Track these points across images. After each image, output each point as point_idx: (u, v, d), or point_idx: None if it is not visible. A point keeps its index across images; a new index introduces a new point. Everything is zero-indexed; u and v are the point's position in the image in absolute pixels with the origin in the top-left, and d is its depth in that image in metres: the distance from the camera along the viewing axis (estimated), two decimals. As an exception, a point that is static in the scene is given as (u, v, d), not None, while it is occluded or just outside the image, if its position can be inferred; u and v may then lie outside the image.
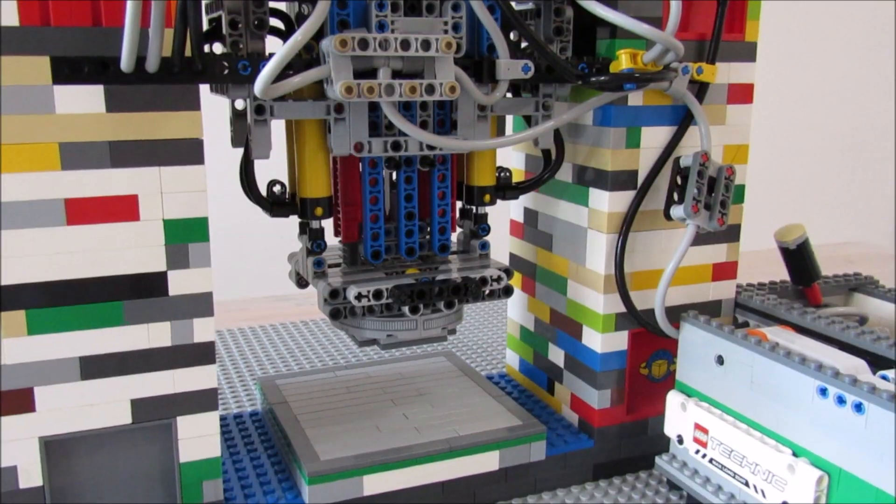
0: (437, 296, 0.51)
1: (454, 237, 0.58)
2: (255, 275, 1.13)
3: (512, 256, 0.68)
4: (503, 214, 0.66)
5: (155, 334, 0.45)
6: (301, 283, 0.56)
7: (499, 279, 0.53)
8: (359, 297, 0.49)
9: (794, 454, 0.45)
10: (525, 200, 0.64)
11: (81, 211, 0.42)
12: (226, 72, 0.44)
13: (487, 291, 0.53)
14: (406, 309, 0.51)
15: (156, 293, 0.44)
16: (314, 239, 0.52)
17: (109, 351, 0.44)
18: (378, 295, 0.50)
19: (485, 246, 0.58)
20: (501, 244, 0.66)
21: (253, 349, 0.86)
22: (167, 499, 0.48)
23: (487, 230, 0.57)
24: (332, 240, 0.55)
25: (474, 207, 0.57)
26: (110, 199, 0.42)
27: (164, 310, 0.45)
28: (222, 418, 0.62)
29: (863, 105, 1.76)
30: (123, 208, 0.43)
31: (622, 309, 0.56)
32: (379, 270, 0.53)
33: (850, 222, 1.73)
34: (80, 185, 0.42)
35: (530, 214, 0.64)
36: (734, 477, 0.49)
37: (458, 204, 0.57)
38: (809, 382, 0.44)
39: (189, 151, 0.43)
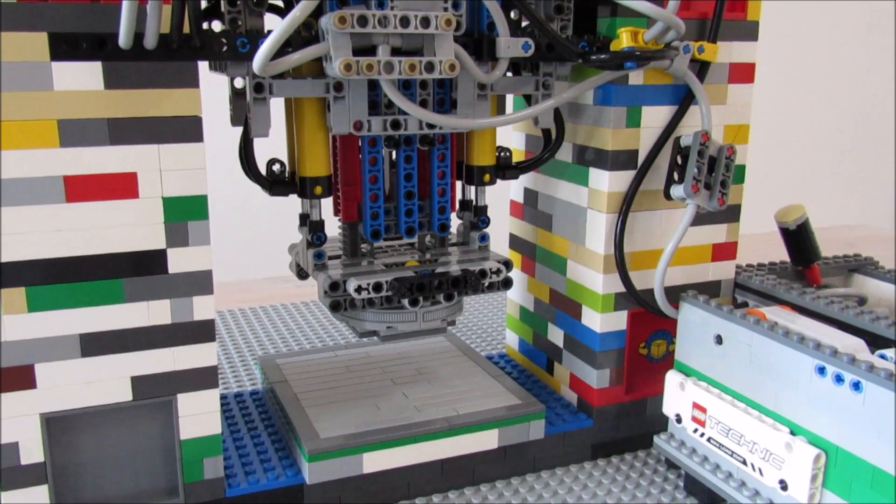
0: (437, 288, 0.51)
1: (454, 229, 0.58)
2: (256, 256, 1.13)
3: (512, 237, 0.68)
4: (503, 194, 0.66)
5: (155, 312, 0.45)
6: (301, 274, 0.57)
7: (498, 271, 0.53)
8: (359, 289, 0.50)
9: (792, 433, 0.46)
10: (525, 180, 0.64)
11: (81, 188, 0.42)
12: (224, 49, 0.44)
13: (487, 284, 0.53)
14: (406, 301, 0.51)
15: (155, 271, 0.44)
16: (314, 231, 0.52)
17: (110, 328, 0.44)
18: (378, 288, 0.50)
19: (484, 238, 0.58)
20: (501, 224, 0.66)
21: (253, 329, 0.86)
22: (168, 475, 0.48)
23: (487, 222, 0.57)
24: (332, 230, 0.55)
25: (474, 200, 0.57)
26: (109, 176, 0.42)
27: (163, 287, 0.45)
28: (223, 397, 0.62)
29: (864, 87, 1.76)
30: (123, 186, 0.43)
31: (621, 289, 0.56)
32: (378, 263, 0.53)
33: (850, 205, 1.73)
34: (79, 162, 0.42)
35: (530, 195, 0.64)
36: (732, 455, 0.49)
37: (458, 186, 0.57)
38: (807, 361, 0.45)
39: (188, 129, 0.43)
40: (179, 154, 0.43)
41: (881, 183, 1.82)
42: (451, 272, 0.52)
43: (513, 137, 0.65)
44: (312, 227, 0.52)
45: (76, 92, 0.41)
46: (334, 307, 0.51)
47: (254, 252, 1.16)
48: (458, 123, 0.49)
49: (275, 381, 0.60)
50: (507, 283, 0.54)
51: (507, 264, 0.54)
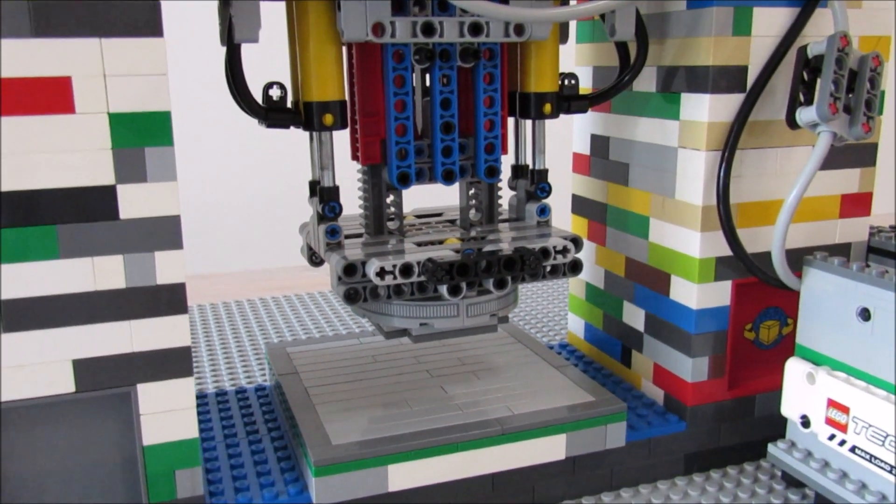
0: (484, 272, 0.39)
1: (504, 203, 0.48)
2: (282, 244, 1.06)
3: (574, 198, 0.56)
4: (561, 153, 0.54)
5: (102, 272, 0.34)
6: (314, 259, 0.45)
7: (564, 250, 0.42)
8: (381, 273, 0.38)
9: None
10: (591, 125, 0.53)
11: (-6, 99, 0.31)
12: None
13: (549, 267, 0.42)
14: (444, 289, 0.39)
15: (101, 216, 0.34)
16: (327, 200, 0.41)
17: (41, 294, 0.34)
18: (407, 271, 0.39)
19: (544, 211, 0.47)
20: (562, 186, 0.54)
21: (273, 319, 0.76)
22: (129, 493, 0.37)
23: (548, 191, 0.47)
24: (352, 207, 0.43)
25: (532, 163, 0.46)
26: (33, 81, 0.32)
27: (113, 238, 0.34)
28: (221, 393, 0.51)
29: None
30: (51, 96, 0.32)
31: (725, 252, 0.45)
32: (409, 242, 0.43)
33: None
34: (-9, 62, 0.31)
35: (599, 142, 0.52)
36: (891, 471, 0.36)
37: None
38: None
39: (140, 17, 0.33)
40: (130, 52, 0.33)
41: None
42: (502, 250, 0.40)
43: (577, 74, 0.52)
44: (324, 194, 0.41)
45: (-18, -39, 0.30)
46: (350, 297, 0.39)
47: (279, 240, 1.09)
48: (512, 13, 0.37)
49: (282, 373, 0.48)
50: (576, 268, 0.43)
51: (576, 242, 0.42)
